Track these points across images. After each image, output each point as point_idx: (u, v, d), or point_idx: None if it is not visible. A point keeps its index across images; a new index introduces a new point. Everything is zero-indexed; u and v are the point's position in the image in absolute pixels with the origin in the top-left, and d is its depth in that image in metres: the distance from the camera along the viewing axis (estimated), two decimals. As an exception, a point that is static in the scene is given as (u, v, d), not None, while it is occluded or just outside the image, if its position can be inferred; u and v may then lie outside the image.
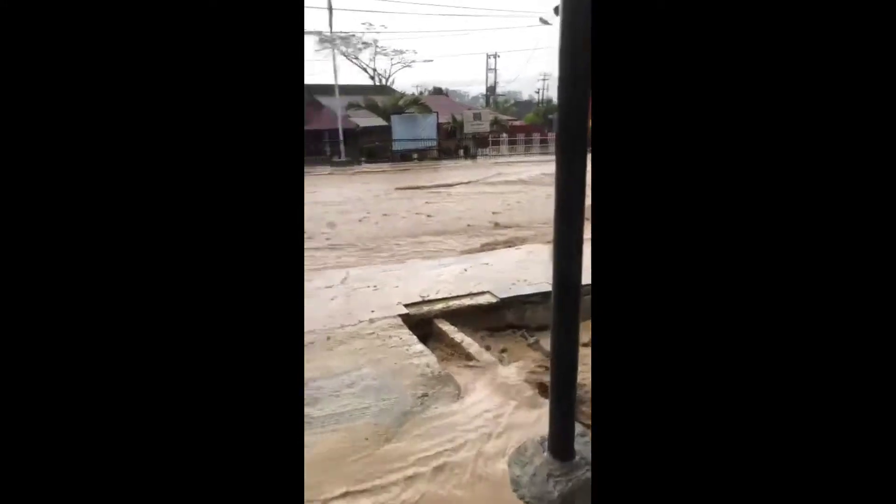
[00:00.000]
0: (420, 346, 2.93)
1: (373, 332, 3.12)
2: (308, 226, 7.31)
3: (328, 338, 3.06)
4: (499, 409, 2.29)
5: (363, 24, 48.58)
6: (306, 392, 2.44)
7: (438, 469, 1.87)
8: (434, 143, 23.39)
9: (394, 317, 3.35)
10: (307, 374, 2.61)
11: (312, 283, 4.21)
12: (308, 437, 2.08)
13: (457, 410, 2.28)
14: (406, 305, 3.54)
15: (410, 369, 2.66)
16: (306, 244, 6.22)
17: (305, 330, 3.17)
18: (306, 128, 22.03)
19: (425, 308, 3.52)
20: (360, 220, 7.81)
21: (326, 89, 23.74)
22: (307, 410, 2.29)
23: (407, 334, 3.10)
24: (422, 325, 3.37)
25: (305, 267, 4.88)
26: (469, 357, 2.90)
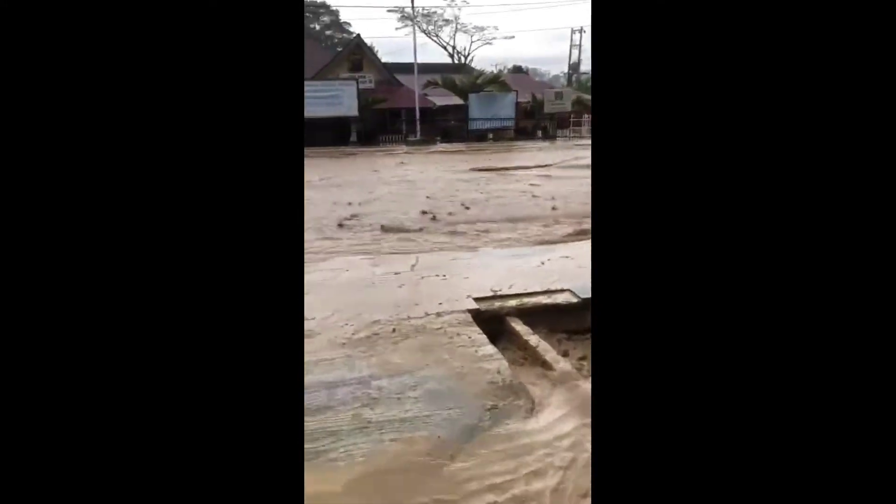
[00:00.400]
0: (490, 348, 2.67)
1: (440, 328, 2.91)
2: (430, 204, 7.22)
3: (393, 330, 2.88)
4: (579, 434, 1.98)
5: None
6: (367, 391, 2.28)
7: (508, 505, 1.61)
8: (512, 123, 22.73)
9: (462, 311, 3.11)
10: (369, 371, 2.45)
11: (380, 269, 4.07)
12: (365, 446, 1.91)
13: (531, 430, 2.01)
14: (476, 299, 3.29)
15: (479, 374, 2.41)
16: (430, 226, 6.10)
17: (372, 319, 3.02)
18: (386, 106, 22.26)
19: (497, 304, 3.25)
20: (481, 202, 7.58)
21: (405, 68, 23.76)
22: (365, 412, 2.12)
23: (476, 332, 2.85)
24: (492, 322, 3.10)
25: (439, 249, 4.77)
26: (544, 364, 2.60)
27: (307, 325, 2.96)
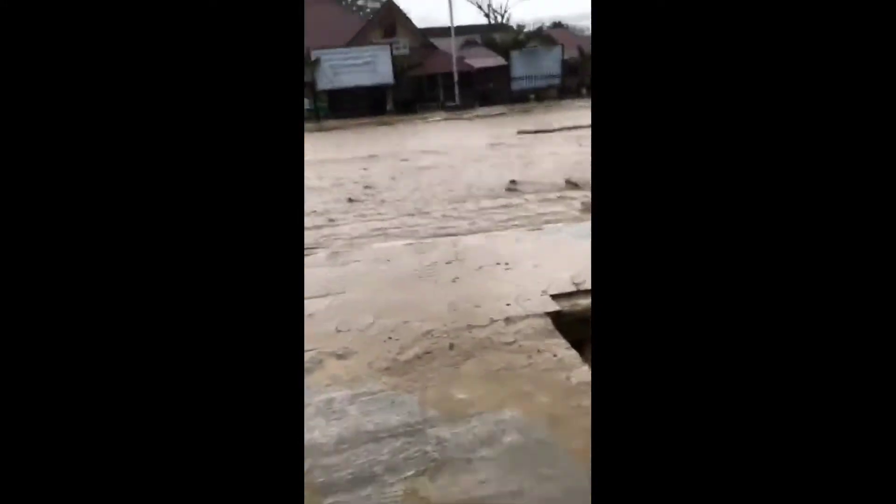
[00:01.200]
0: (586, 371, 1.94)
1: (513, 341, 2.21)
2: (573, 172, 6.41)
3: (451, 346, 2.21)
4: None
5: (480, -45, 45.15)
6: (422, 447, 1.63)
7: None
8: (558, 81, 21.25)
9: (540, 315, 2.39)
10: (423, 413, 1.79)
11: (426, 256, 3.38)
12: (426, 553, 1.26)
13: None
14: (554, 297, 2.56)
15: (579, 417, 1.70)
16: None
17: (422, 328, 2.36)
18: (422, 72, 21.26)
19: (583, 302, 2.50)
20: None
21: (440, 31, 22.58)
22: (422, 486, 1.47)
23: (562, 346, 2.14)
24: (579, 327, 2.37)
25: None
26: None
27: (340, 340, 2.33)
